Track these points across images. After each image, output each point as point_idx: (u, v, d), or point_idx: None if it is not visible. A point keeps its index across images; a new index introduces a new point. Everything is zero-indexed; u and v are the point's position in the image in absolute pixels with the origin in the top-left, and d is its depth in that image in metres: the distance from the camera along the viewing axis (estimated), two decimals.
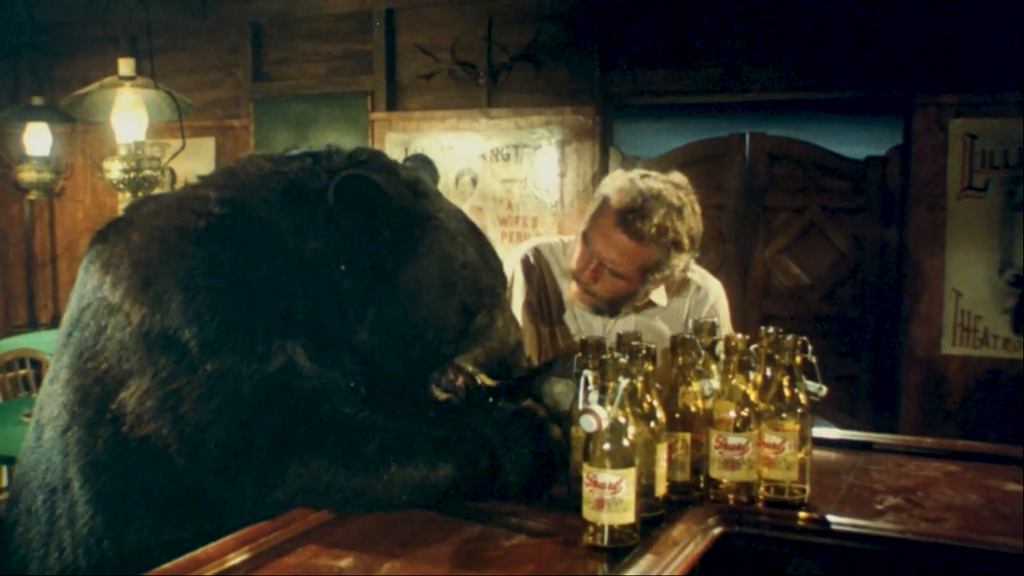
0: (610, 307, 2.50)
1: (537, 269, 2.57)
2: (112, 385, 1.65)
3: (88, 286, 1.73)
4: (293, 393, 1.66)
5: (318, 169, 1.81)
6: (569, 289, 2.50)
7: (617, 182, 2.46)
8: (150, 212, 1.80)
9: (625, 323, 2.53)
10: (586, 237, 2.46)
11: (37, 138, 5.79)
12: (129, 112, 4.36)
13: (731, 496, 1.84)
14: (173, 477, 1.64)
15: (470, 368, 1.87)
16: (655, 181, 2.43)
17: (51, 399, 1.76)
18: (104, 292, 1.69)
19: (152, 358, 1.62)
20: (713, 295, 2.57)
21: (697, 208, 2.45)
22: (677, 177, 2.48)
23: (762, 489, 1.86)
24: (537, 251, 2.59)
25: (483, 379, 1.87)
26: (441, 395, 1.87)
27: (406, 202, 1.82)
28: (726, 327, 2.54)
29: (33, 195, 6.26)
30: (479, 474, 1.75)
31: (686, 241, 2.40)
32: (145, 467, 1.64)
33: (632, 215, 2.37)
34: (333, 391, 1.71)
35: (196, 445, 1.62)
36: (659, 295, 2.53)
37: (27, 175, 6.12)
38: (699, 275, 2.62)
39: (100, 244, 1.76)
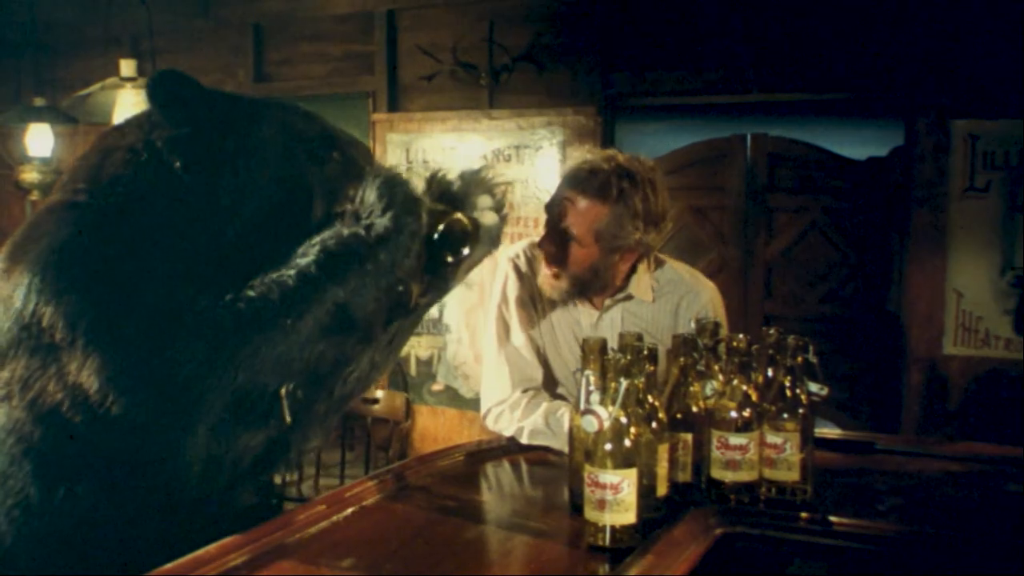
0: (578, 289, 2.47)
1: (528, 266, 2.57)
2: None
3: None
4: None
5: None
6: (542, 277, 2.48)
7: None
8: None
9: (611, 315, 2.51)
10: (547, 207, 2.48)
11: (39, 139, 5.78)
12: (130, 113, 4.34)
13: (732, 496, 1.84)
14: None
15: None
16: (612, 153, 2.48)
17: None
18: None
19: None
20: (706, 296, 2.54)
21: (659, 186, 2.43)
22: (644, 158, 2.49)
23: (763, 489, 1.86)
24: (527, 249, 2.60)
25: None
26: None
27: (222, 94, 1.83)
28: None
29: (35, 196, 6.24)
30: (349, 243, 1.66)
31: (638, 205, 2.38)
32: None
33: (580, 173, 2.43)
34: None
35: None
36: (642, 289, 2.52)
37: (29, 176, 6.11)
38: (691, 276, 2.60)
39: None
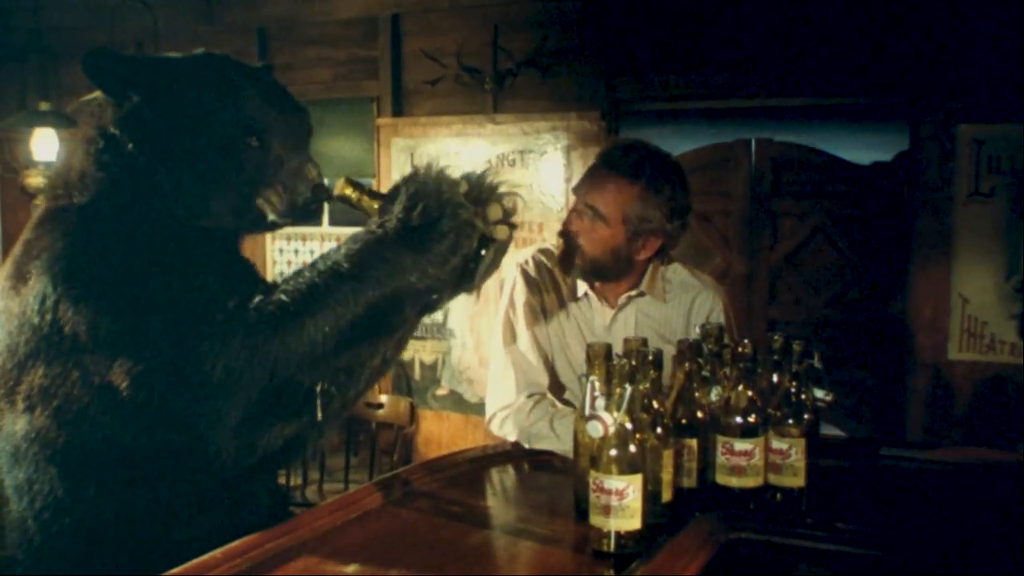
0: (596, 272, 2.47)
1: (536, 272, 2.58)
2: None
3: None
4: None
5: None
6: (559, 250, 2.49)
7: None
8: None
9: (625, 316, 2.52)
10: (575, 189, 2.51)
11: (44, 143, 5.78)
12: None
13: (738, 502, 1.84)
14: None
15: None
16: (645, 140, 2.54)
17: None
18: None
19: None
20: (717, 301, 2.56)
21: (685, 183, 2.48)
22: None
23: (769, 495, 1.85)
24: (537, 255, 2.61)
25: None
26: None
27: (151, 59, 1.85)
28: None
29: (39, 200, 6.25)
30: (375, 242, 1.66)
31: (667, 192, 2.41)
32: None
33: (614, 152, 2.48)
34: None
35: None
36: (655, 289, 2.54)
37: (34, 180, 6.12)
38: (700, 277, 2.62)
39: None
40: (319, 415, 1.68)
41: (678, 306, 2.55)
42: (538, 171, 5.30)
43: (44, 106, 5.74)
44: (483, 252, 1.77)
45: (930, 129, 4.56)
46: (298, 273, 1.67)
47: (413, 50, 5.62)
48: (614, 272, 2.49)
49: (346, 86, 5.84)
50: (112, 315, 1.60)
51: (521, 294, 2.55)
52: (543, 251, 2.59)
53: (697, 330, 2.00)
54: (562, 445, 2.26)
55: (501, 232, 1.77)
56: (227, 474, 1.66)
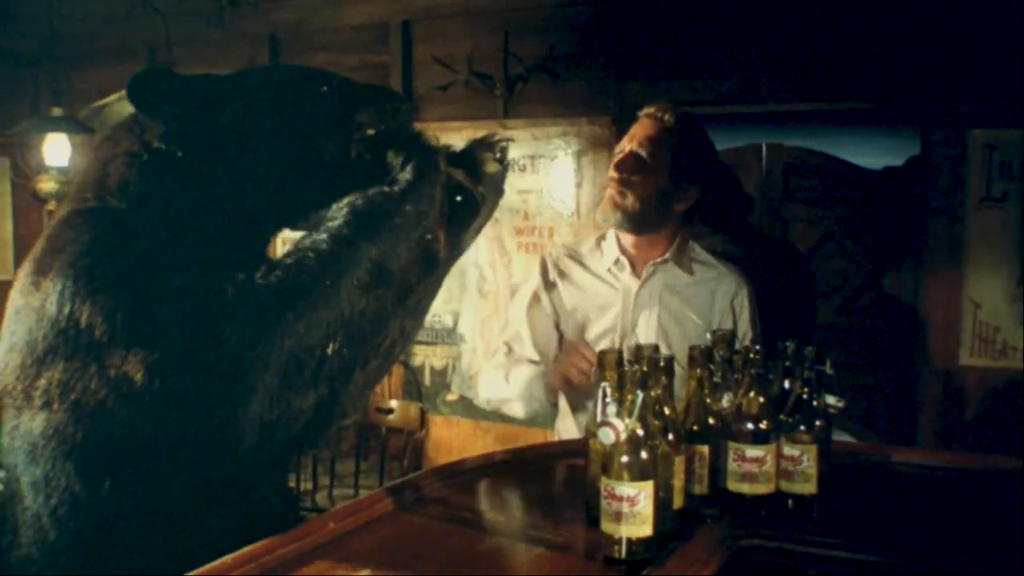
0: (635, 218, 2.60)
1: (553, 261, 2.75)
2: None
3: None
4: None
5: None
6: (603, 197, 2.65)
7: None
8: None
9: (651, 287, 2.64)
10: (620, 146, 2.69)
11: (56, 149, 5.81)
12: None
13: (749, 509, 1.83)
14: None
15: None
16: None
17: None
18: None
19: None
20: (741, 287, 2.68)
21: (719, 162, 2.80)
22: None
23: (780, 502, 1.85)
24: (555, 249, 2.82)
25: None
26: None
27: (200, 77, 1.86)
28: (746, 323, 2.65)
29: (52, 205, 6.28)
30: (376, 200, 1.71)
31: (706, 146, 2.69)
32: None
33: (659, 105, 2.70)
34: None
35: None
36: (682, 261, 2.67)
37: (46, 185, 6.15)
38: (728, 267, 2.74)
39: None
40: (337, 384, 1.70)
41: (703, 284, 2.68)
42: (548, 176, 5.30)
43: (56, 111, 5.77)
44: (480, 189, 1.87)
45: (941, 134, 4.55)
46: (297, 241, 1.71)
47: (424, 56, 5.64)
48: (653, 221, 2.62)
49: None
50: (127, 307, 1.61)
51: (540, 272, 2.75)
52: (563, 245, 2.85)
53: (708, 336, 2.00)
54: (508, 394, 2.56)
55: (490, 166, 1.87)
56: (246, 462, 1.65)
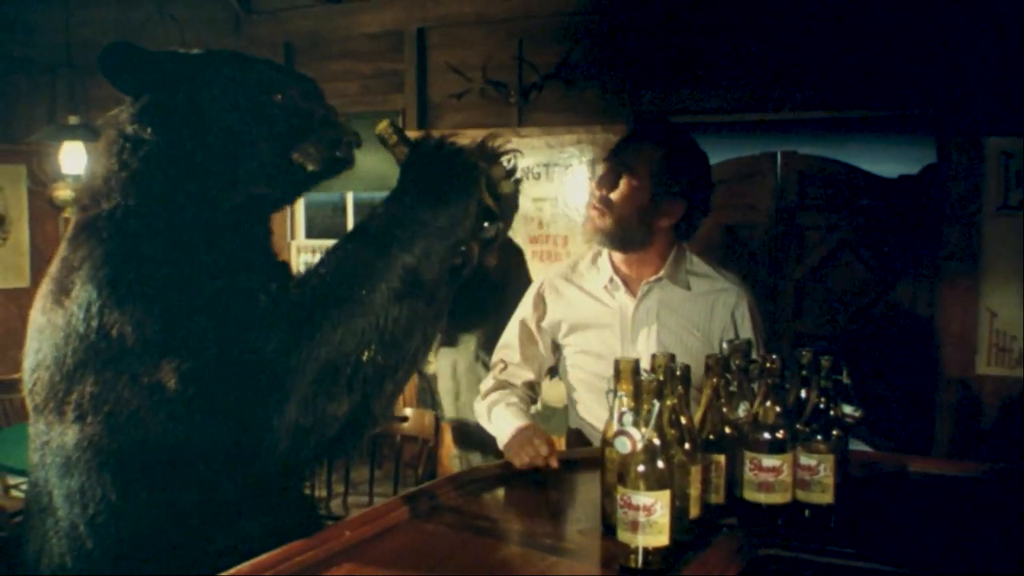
0: (618, 234, 2.54)
1: (546, 285, 2.71)
2: None
3: None
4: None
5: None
6: (587, 218, 2.60)
7: None
8: None
9: (647, 306, 2.57)
10: (606, 158, 2.66)
11: (72, 157, 5.84)
12: None
13: (766, 519, 1.83)
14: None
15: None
16: None
17: None
18: None
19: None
20: (742, 299, 2.58)
21: (708, 164, 2.62)
22: None
23: (797, 511, 1.84)
24: (552, 270, 2.78)
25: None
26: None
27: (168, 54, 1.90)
28: (748, 333, 2.56)
29: (68, 213, 6.32)
30: (414, 209, 1.73)
31: (692, 159, 2.57)
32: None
33: (644, 123, 2.81)
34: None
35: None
36: (677, 276, 2.60)
37: (62, 193, 6.19)
38: (727, 277, 2.64)
39: None
40: (369, 390, 1.70)
41: (701, 298, 2.60)
42: (563, 184, 5.31)
43: (73, 120, 5.80)
44: (494, 205, 1.86)
45: (957, 142, 4.53)
46: (331, 250, 1.71)
47: (439, 64, 5.65)
48: (638, 239, 2.55)
49: (372, 99, 5.87)
50: (157, 315, 1.62)
51: (521, 309, 2.72)
52: (560, 266, 2.77)
53: (724, 345, 1.99)
54: (491, 430, 2.52)
55: (506, 186, 1.87)
56: (279, 468, 1.66)
